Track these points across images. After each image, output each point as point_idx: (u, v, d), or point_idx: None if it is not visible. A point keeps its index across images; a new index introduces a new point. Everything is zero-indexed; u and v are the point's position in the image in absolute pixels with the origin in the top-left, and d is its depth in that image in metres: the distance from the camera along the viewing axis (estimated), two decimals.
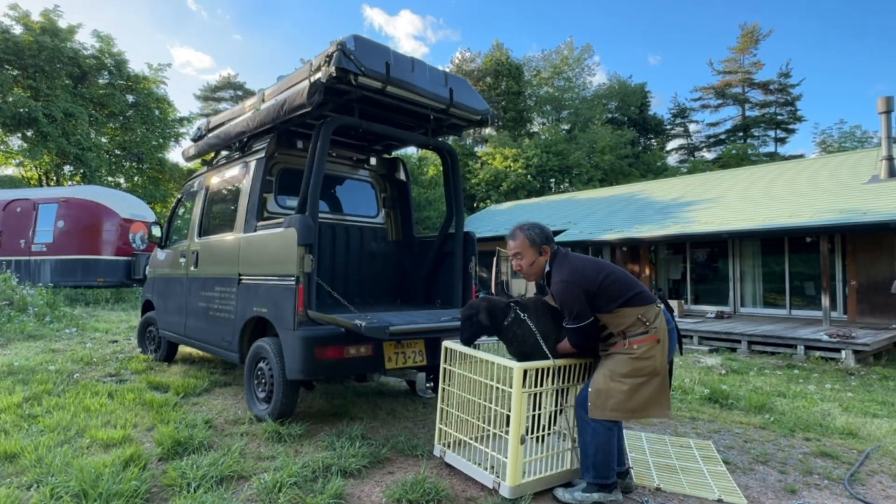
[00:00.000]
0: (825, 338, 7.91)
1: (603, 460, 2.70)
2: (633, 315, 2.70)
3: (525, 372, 2.73)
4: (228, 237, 4.64)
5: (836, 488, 3.11)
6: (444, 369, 3.26)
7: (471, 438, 3.11)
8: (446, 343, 3.28)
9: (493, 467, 2.92)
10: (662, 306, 2.82)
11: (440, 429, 3.28)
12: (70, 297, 12.80)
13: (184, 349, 6.44)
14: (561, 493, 2.80)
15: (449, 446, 3.24)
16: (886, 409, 5.09)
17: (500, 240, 17.27)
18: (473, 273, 4.72)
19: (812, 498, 2.97)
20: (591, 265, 2.79)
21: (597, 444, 2.69)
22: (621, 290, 2.72)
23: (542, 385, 2.92)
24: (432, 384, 4.32)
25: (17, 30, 21.40)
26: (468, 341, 3.04)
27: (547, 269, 2.90)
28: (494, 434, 2.97)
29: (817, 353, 7.91)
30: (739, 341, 8.81)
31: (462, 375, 3.15)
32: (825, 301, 9.30)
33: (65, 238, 13.56)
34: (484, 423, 3.05)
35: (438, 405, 3.28)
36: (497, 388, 2.88)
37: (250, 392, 4.15)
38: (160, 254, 6.20)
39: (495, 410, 2.92)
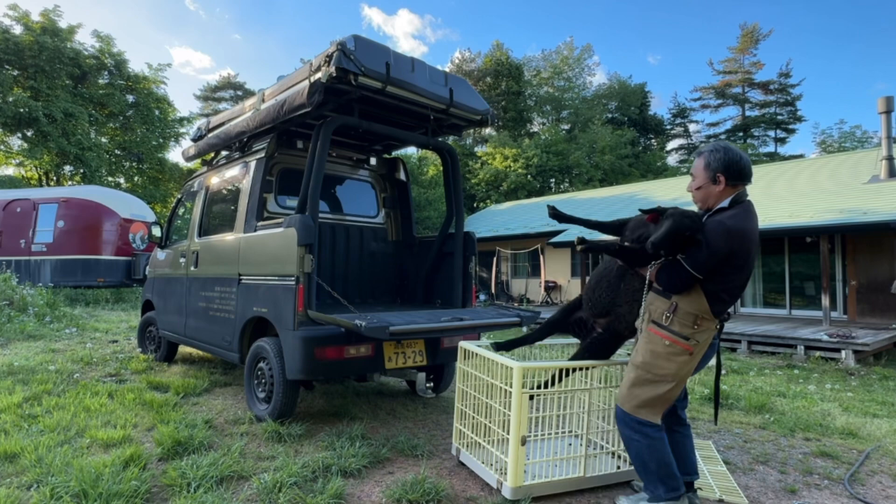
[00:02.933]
0: (825, 338, 7.91)
1: (667, 472, 2.50)
2: (699, 309, 2.40)
3: (525, 372, 2.72)
4: (228, 237, 4.64)
5: (836, 488, 3.11)
6: (461, 369, 3.26)
7: (483, 439, 3.08)
8: (462, 343, 3.28)
9: (497, 467, 2.90)
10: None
11: (457, 428, 3.28)
12: (70, 297, 12.80)
13: (184, 349, 6.44)
14: (623, 501, 2.74)
15: (466, 447, 3.23)
16: (886, 409, 5.09)
17: (500, 240, 17.29)
18: (473, 273, 4.72)
19: (812, 498, 2.97)
20: (752, 247, 2.40)
21: (658, 459, 2.49)
22: (728, 285, 2.40)
23: (553, 386, 2.90)
24: (432, 384, 4.33)
25: (17, 30, 21.44)
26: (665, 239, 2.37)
27: (724, 204, 2.47)
28: (503, 435, 2.93)
29: (817, 353, 7.90)
30: (739, 341, 8.81)
31: (475, 376, 3.14)
32: (825, 301, 9.30)
33: (65, 238, 13.57)
34: (496, 424, 2.99)
35: (456, 405, 3.28)
36: (503, 389, 2.85)
37: (250, 392, 4.15)
38: (160, 254, 6.20)
39: (500, 411, 2.89)
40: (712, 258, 2.32)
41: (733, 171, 2.48)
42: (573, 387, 3.14)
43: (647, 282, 2.56)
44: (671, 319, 2.44)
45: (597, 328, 2.87)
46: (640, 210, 2.61)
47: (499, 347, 3.15)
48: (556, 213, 2.88)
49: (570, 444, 3.27)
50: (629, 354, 2.91)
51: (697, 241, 2.34)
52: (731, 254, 2.34)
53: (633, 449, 2.55)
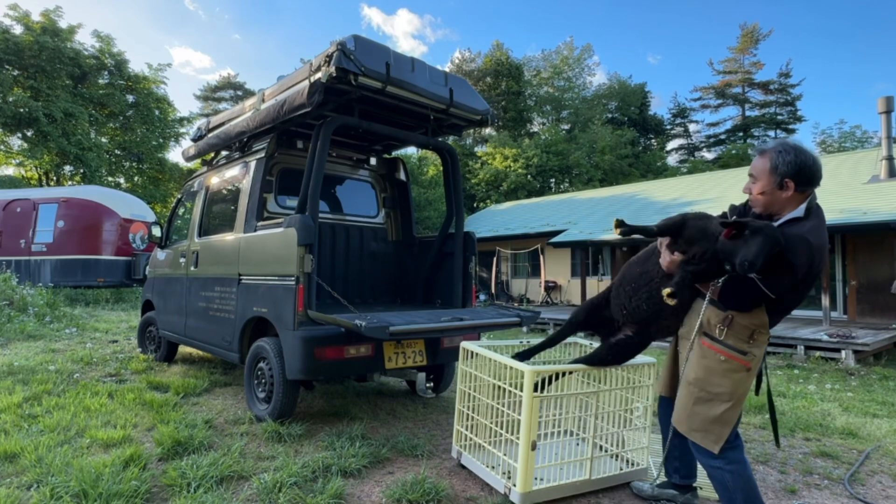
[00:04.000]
0: (825, 338, 7.90)
1: (754, 499, 2.28)
2: (756, 323, 2.20)
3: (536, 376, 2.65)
4: (228, 237, 4.64)
5: (836, 488, 3.11)
6: (462, 370, 3.21)
7: (487, 442, 3.04)
8: (465, 344, 3.24)
9: (504, 472, 2.85)
10: None
11: (457, 430, 3.23)
12: (70, 297, 12.80)
13: (184, 349, 6.44)
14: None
15: (466, 448, 3.19)
16: (886, 409, 5.08)
17: (500, 240, 17.29)
18: (473, 273, 4.72)
19: (812, 498, 2.97)
20: (825, 256, 2.18)
21: (745, 491, 2.25)
22: (793, 300, 2.19)
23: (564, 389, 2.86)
24: (432, 384, 4.33)
25: (18, 30, 21.45)
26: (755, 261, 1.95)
27: (798, 213, 2.17)
28: (509, 439, 2.87)
29: (817, 353, 7.90)
30: None
31: (479, 377, 3.11)
32: (825, 301, 9.30)
33: (65, 238, 13.57)
34: (499, 427, 2.96)
35: (457, 406, 3.23)
36: (511, 392, 2.80)
37: (250, 392, 4.15)
38: (160, 254, 6.20)
39: (508, 414, 2.84)
40: (794, 279, 2.06)
41: (804, 177, 2.15)
42: (579, 389, 3.12)
43: (707, 298, 2.27)
44: (725, 332, 2.21)
45: (627, 331, 2.66)
46: (722, 223, 2.10)
47: (520, 357, 2.98)
48: (622, 225, 2.42)
49: (568, 446, 3.24)
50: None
51: (784, 261, 2.05)
52: (810, 272, 2.09)
53: (720, 483, 2.29)
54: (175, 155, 28.77)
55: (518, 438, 2.68)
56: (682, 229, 2.28)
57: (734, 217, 2.32)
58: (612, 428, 3.07)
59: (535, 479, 2.73)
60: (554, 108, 39.48)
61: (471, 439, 3.16)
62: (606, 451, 3.07)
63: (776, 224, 2.18)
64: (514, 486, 2.69)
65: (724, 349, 2.21)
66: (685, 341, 2.41)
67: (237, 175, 4.80)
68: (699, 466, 2.68)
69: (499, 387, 2.93)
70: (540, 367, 2.70)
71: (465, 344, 3.25)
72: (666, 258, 2.34)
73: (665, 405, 2.70)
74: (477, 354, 3.13)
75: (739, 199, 2.51)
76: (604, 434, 3.09)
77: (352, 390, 5.11)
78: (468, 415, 3.17)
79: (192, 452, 3.29)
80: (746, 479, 2.27)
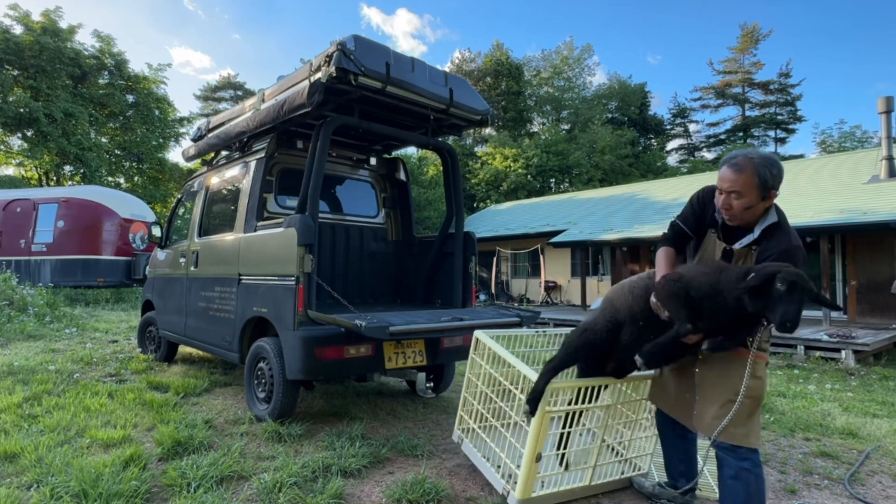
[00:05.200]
0: (825, 338, 7.90)
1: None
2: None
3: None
4: (228, 237, 4.64)
5: (836, 488, 3.11)
6: (473, 359, 3.18)
7: (490, 438, 3.03)
8: (477, 333, 3.19)
9: (505, 474, 2.83)
10: None
11: (461, 415, 3.23)
12: (70, 297, 12.80)
13: (184, 349, 6.44)
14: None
15: (466, 433, 3.19)
16: (886, 409, 5.08)
17: (500, 240, 17.29)
18: (473, 273, 4.72)
19: (812, 498, 2.97)
20: None
21: (761, 493, 2.29)
22: None
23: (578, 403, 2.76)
24: (432, 384, 4.33)
25: (18, 30, 21.47)
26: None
27: (774, 219, 2.23)
28: (510, 432, 2.84)
29: (817, 353, 7.90)
30: None
31: (488, 373, 3.08)
32: None
33: (65, 238, 13.57)
34: (505, 429, 2.92)
35: (462, 392, 3.23)
36: (518, 395, 2.77)
37: (250, 392, 4.15)
38: (160, 254, 6.20)
39: (510, 415, 2.82)
40: None
41: (780, 184, 2.24)
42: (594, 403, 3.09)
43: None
44: (759, 340, 2.27)
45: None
46: (756, 281, 1.95)
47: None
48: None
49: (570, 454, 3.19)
50: None
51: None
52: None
53: (744, 485, 2.25)
54: (175, 155, 28.82)
55: (523, 447, 2.64)
56: (681, 311, 2.15)
57: (718, 219, 2.38)
58: (617, 436, 3.04)
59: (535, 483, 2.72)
60: (554, 108, 39.47)
61: (472, 428, 3.15)
62: (617, 453, 3.03)
63: (755, 236, 2.23)
64: (513, 490, 2.67)
65: (756, 351, 2.28)
66: (707, 359, 2.38)
67: (237, 175, 4.80)
68: (699, 462, 2.70)
69: (508, 390, 2.91)
70: (555, 384, 2.56)
71: (478, 333, 3.18)
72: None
73: (661, 415, 2.73)
74: (492, 352, 3.05)
75: None
76: (611, 443, 3.04)
77: (352, 390, 5.11)
78: (472, 403, 3.16)
79: (192, 452, 3.29)
80: (764, 481, 2.32)
